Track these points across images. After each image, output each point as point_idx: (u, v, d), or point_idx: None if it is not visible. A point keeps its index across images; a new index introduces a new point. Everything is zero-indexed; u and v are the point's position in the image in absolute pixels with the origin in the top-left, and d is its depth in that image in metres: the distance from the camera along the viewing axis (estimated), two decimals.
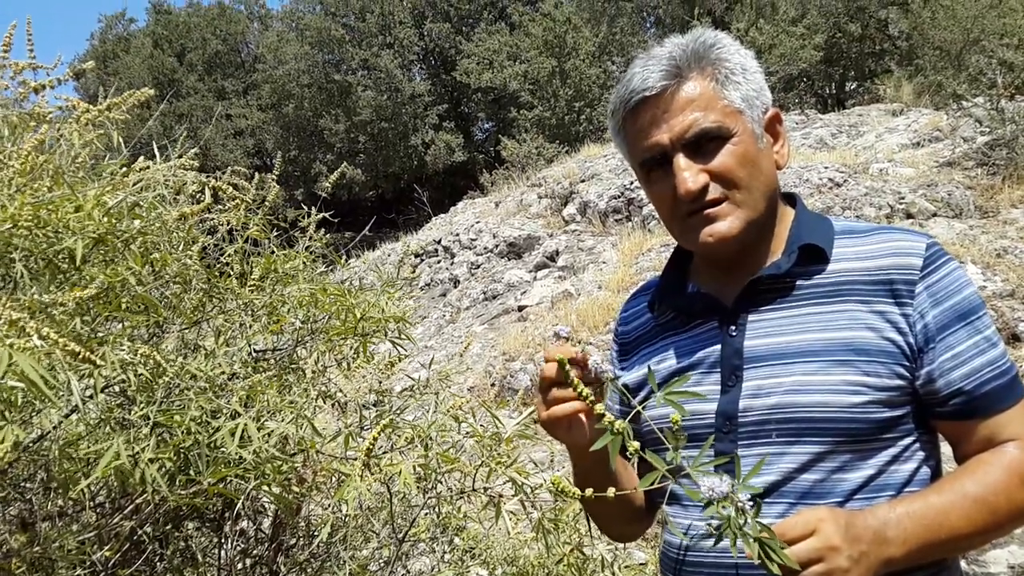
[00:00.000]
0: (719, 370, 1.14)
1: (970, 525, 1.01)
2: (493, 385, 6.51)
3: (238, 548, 2.02)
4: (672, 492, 1.18)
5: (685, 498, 1.16)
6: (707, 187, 1.11)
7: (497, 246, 10.27)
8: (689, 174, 1.11)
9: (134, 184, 1.58)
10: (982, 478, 1.03)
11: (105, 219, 1.46)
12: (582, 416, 1.07)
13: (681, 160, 1.11)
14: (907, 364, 1.07)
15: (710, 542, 0.92)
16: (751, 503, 0.89)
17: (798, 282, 1.14)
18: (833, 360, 1.07)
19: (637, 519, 1.32)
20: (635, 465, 1.32)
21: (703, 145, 1.11)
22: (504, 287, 9.05)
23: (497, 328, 7.89)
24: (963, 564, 3.45)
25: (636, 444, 0.94)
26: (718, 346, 1.16)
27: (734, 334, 1.15)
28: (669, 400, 0.94)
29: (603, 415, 0.95)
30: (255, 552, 2.04)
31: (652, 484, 0.93)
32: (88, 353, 1.12)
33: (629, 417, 1.00)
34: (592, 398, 0.99)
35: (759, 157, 1.14)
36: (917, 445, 1.10)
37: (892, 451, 1.08)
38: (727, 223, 1.12)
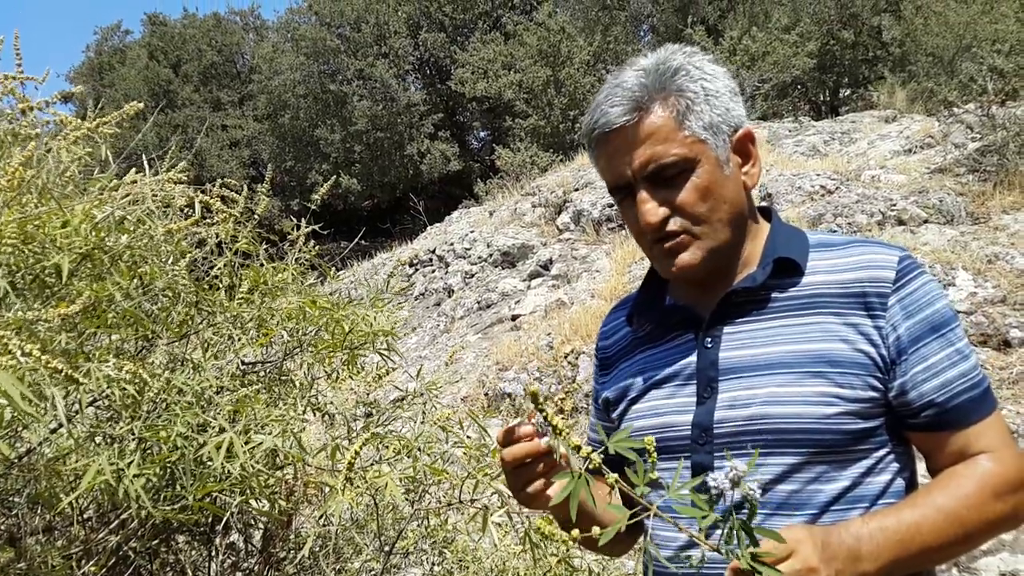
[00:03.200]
0: (695, 382, 1.16)
1: (942, 539, 1.02)
2: (486, 394, 6.51)
3: (228, 562, 2.02)
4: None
5: (666, 511, 1.16)
6: (668, 218, 1.14)
7: (491, 255, 10.28)
8: (650, 207, 1.13)
9: (122, 198, 1.59)
10: (954, 491, 1.04)
11: (92, 234, 1.47)
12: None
13: (643, 193, 1.14)
14: (880, 376, 1.08)
15: (696, 552, 0.91)
16: (760, 491, 0.88)
17: (773, 295, 1.15)
18: (807, 372, 1.08)
19: (623, 536, 1.32)
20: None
21: (665, 178, 1.13)
22: (498, 296, 9.05)
23: (491, 337, 7.89)
24: (955, 571, 3.45)
25: (614, 476, 0.90)
26: (694, 358, 1.17)
27: (709, 346, 1.16)
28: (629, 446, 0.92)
29: (579, 447, 0.93)
30: (245, 566, 2.04)
31: (630, 518, 0.90)
32: (71, 370, 1.13)
33: (612, 430, 0.99)
34: (566, 431, 0.97)
35: (724, 185, 1.15)
36: (892, 457, 1.11)
37: (867, 463, 1.09)
38: (688, 254, 1.15)
